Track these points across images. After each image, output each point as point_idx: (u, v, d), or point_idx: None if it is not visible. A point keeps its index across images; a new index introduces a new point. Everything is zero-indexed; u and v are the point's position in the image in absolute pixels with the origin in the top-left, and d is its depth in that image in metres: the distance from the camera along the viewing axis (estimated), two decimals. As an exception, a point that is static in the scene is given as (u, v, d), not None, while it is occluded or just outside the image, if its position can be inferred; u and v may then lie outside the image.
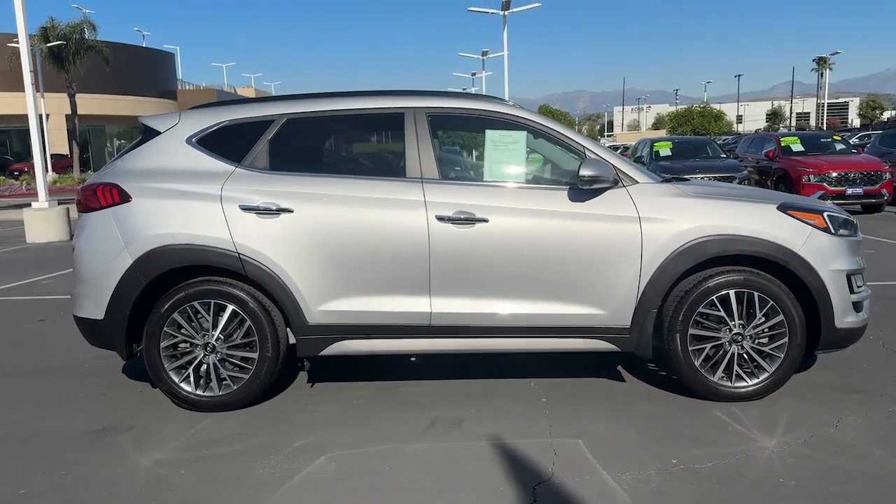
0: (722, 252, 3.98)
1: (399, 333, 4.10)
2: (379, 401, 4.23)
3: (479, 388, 4.41)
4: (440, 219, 3.99)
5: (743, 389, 4.04)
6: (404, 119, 4.16)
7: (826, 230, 4.07)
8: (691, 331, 4.02)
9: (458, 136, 5.09)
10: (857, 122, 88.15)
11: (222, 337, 4.09)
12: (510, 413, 3.98)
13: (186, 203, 4.07)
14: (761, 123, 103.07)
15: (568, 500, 2.97)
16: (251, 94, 71.51)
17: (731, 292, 3.99)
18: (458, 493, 3.08)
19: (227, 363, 4.11)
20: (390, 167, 4.18)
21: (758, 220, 4.02)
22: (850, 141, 20.70)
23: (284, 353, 4.16)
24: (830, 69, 76.43)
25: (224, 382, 4.12)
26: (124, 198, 4.11)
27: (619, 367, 4.72)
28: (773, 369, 4.03)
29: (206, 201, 4.06)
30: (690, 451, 3.43)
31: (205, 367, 4.11)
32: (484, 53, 41.64)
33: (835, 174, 13.69)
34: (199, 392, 4.11)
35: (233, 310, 4.05)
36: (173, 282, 4.10)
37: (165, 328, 4.07)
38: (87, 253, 4.15)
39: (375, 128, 4.46)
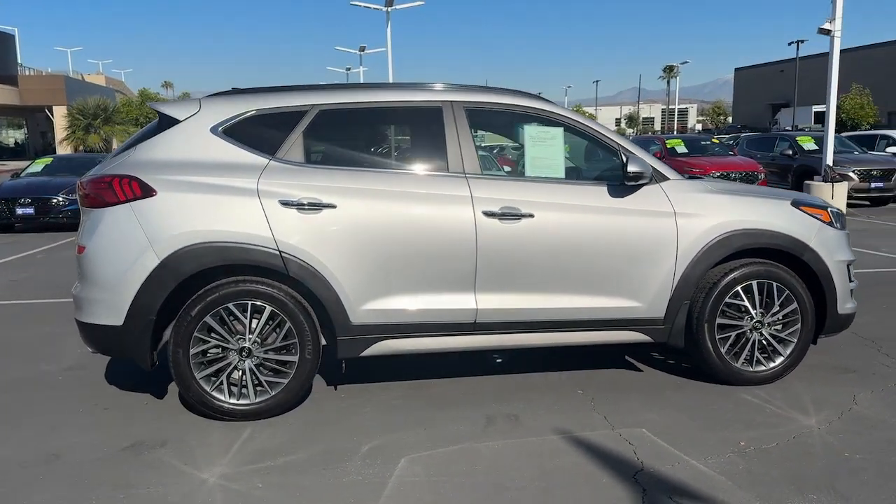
0: (747, 245, 4.23)
1: (443, 331, 4.03)
2: (418, 401, 4.14)
3: (509, 383, 4.42)
4: (487, 214, 3.96)
5: (762, 374, 4.32)
6: (443, 113, 4.10)
7: (830, 224, 4.44)
8: (718, 320, 4.25)
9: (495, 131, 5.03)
10: (698, 127, 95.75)
11: (259, 340, 3.85)
12: (557, 407, 4.02)
13: (220, 198, 3.79)
14: (612, 127, 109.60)
15: (674, 488, 3.06)
16: (101, 81, 66.64)
17: (754, 283, 4.26)
18: (566, 487, 3.09)
19: (261, 368, 3.87)
20: (431, 162, 4.09)
21: (776, 215, 4.31)
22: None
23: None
24: (676, 77, 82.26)
25: (259, 389, 3.87)
26: (147, 191, 3.76)
27: (627, 357, 4.90)
28: (788, 354, 4.34)
29: (241, 196, 3.80)
30: (747, 432, 3.63)
31: (239, 373, 3.85)
32: (361, 49, 41.26)
33: (717, 174, 14.81)
34: (232, 401, 3.84)
35: (271, 311, 3.82)
36: (197, 283, 3.81)
37: (196, 333, 3.77)
38: (102, 252, 3.76)
39: (412, 121, 4.34)
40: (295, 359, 3.87)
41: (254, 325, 3.83)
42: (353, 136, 4.31)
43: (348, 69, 51.65)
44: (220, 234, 3.75)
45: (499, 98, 4.24)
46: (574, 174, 4.52)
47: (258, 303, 3.81)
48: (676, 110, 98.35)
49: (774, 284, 4.28)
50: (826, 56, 15.11)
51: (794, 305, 4.31)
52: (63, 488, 3.14)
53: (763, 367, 4.33)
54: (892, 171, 15.52)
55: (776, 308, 4.30)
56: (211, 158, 3.89)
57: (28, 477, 3.26)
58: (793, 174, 16.41)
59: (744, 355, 4.30)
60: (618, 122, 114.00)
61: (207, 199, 3.79)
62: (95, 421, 3.92)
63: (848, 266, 4.47)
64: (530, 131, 4.22)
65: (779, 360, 4.35)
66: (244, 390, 3.85)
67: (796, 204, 4.41)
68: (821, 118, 57.12)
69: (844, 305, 4.44)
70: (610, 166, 4.28)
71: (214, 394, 3.82)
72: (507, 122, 4.57)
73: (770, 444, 3.48)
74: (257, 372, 3.86)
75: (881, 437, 3.56)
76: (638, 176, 4.04)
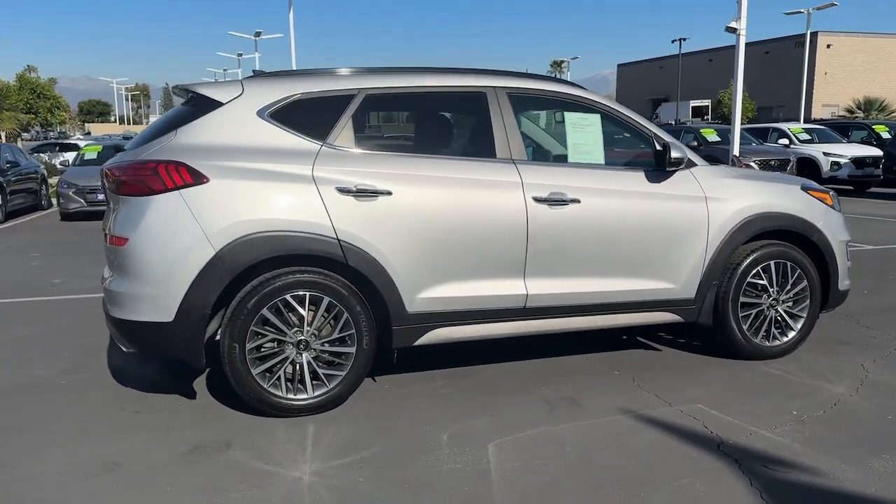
0: (767, 228, 4.49)
1: (495, 317, 4.04)
2: (467, 389, 4.13)
3: (546, 368, 4.48)
4: (537, 200, 4.00)
5: (777, 348, 4.61)
6: (487, 98, 4.08)
7: (833, 207, 4.78)
8: (742, 299, 4.49)
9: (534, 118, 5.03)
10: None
11: (316, 332, 3.71)
12: (606, 388, 4.12)
13: (276, 185, 3.62)
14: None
15: (760, 456, 3.22)
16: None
17: (772, 263, 4.53)
18: (661, 463, 3.18)
19: (317, 361, 3.74)
20: (479, 147, 4.07)
21: (792, 199, 4.60)
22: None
23: (375, 344, 3.89)
24: (565, 72, 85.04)
25: (315, 383, 3.74)
26: (197, 178, 3.53)
27: (639, 338, 5.09)
28: (799, 328, 4.65)
29: (298, 183, 3.65)
30: (791, 402, 3.87)
31: (294, 367, 3.70)
32: (257, 34, 39.87)
33: None
34: (290, 396, 3.69)
35: (329, 301, 3.69)
36: (245, 275, 3.62)
37: (252, 327, 3.59)
38: (150, 244, 3.50)
39: (458, 106, 4.29)
40: (352, 350, 3.76)
41: (311, 317, 3.68)
42: (401, 121, 4.23)
43: (240, 55, 49.84)
44: (279, 223, 3.58)
45: (539, 84, 4.28)
46: (618, 160, 4.55)
47: (316, 293, 3.67)
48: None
49: (788, 264, 4.56)
50: (702, 54, 16.15)
51: (805, 283, 4.62)
52: (145, 497, 2.92)
53: (778, 342, 4.61)
54: (787, 161, 16.75)
55: (789, 286, 4.59)
56: (261, 143, 3.70)
57: (96, 488, 3.00)
58: None
59: (762, 331, 4.57)
60: None
61: (262, 186, 3.61)
62: (133, 425, 3.65)
63: (846, 246, 4.83)
64: (570, 118, 4.28)
65: (791, 334, 4.64)
66: (301, 385, 3.71)
67: (804, 188, 4.72)
68: (698, 112, 60.73)
69: (843, 282, 4.80)
70: (642, 152, 4.40)
71: (271, 390, 3.66)
72: (546, 107, 4.61)
73: (818, 412, 3.73)
74: (315, 365, 3.72)
75: (908, 401, 3.89)
76: (679, 161, 4.20)
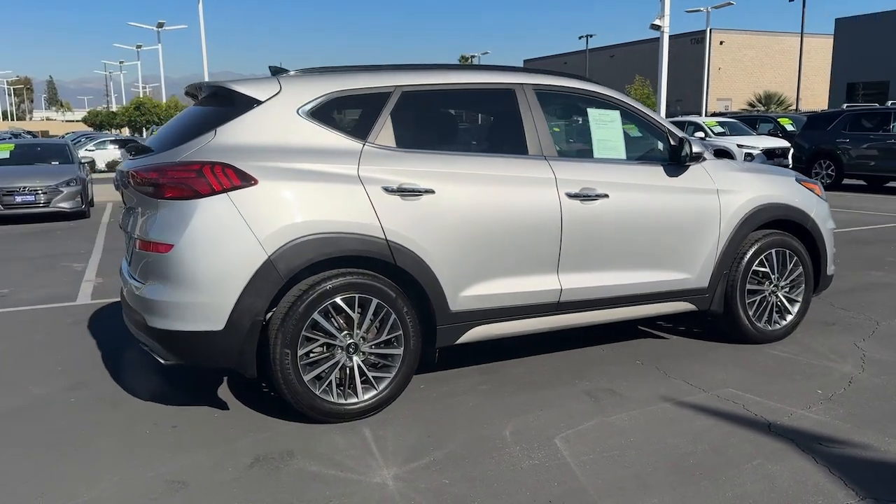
0: (771, 218, 4.73)
1: (530, 313, 4.08)
2: (506, 384, 4.14)
3: (573, 360, 4.55)
4: (570, 195, 4.06)
5: (778, 331, 4.87)
6: (516, 95, 4.11)
7: (821, 197, 5.09)
8: (748, 286, 4.72)
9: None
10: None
11: (365, 335, 3.64)
12: (637, 378, 4.23)
13: (324, 185, 3.53)
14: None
15: (812, 435, 3.41)
16: None
17: (774, 251, 4.78)
18: (728, 446, 3.30)
19: (365, 364, 3.67)
20: (511, 144, 4.08)
21: (791, 190, 4.87)
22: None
23: (418, 344, 3.85)
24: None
25: (364, 386, 3.67)
26: (245, 180, 3.39)
27: (641, 328, 5.26)
28: (796, 312, 4.94)
29: (345, 183, 3.57)
30: (812, 382, 4.10)
31: (345, 371, 3.62)
32: (159, 25, 38.22)
33: None
34: (341, 401, 3.61)
35: (377, 303, 3.63)
36: (292, 279, 3.52)
37: (304, 332, 3.49)
38: (198, 250, 3.33)
39: (488, 103, 4.27)
40: (399, 351, 3.72)
41: (360, 320, 3.61)
42: (436, 118, 4.19)
43: (139, 47, 47.59)
44: (330, 225, 3.49)
45: (564, 81, 4.34)
46: (637, 155, 4.59)
47: (365, 295, 3.60)
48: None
49: (787, 252, 4.83)
50: (605, 50, 16.81)
51: (801, 269, 4.90)
52: (237, 515, 2.80)
53: (779, 326, 4.88)
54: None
55: (787, 272, 4.86)
56: (303, 143, 3.59)
57: (172, 509, 2.85)
58: None
59: (765, 316, 4.82)
60: None
61: (311, 187, 3.50)
62: (179, 441, 3.47)
63: (832, 233, 5.15)
64: (594, 114, 4.37)
65: (789, 318, 4.92)
66: (350, 389, 3.63)
67: (798, 180, 5.00)
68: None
69: (830, 267, 5.13)
70: (656, 146, 4.54)
71: (322, 396, 3.56)
72: (569, 104, 4.66)
73: (840, 391, 3.97)
74: (364, 368, 3.65)
75: (912, 375, 4.21)
76: (698, 156, 4.37)
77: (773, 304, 4.84)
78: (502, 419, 3.65)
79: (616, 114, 4.42)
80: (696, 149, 4.34)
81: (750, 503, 2.82)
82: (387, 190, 3.63)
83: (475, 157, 3.97)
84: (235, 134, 3.50)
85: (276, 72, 4.21)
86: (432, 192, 3.72)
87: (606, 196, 4.16)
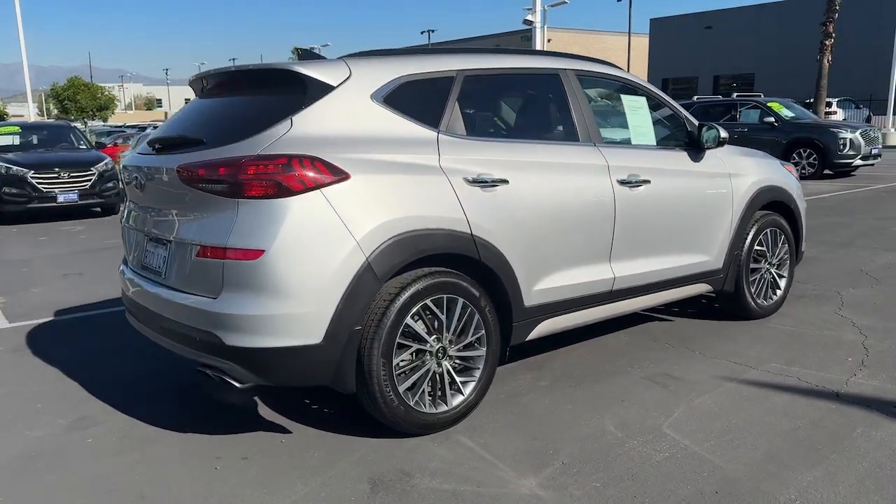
0: (768, 200, 4.99)
1: (589, 303, 4.02)
2: (565, 378, 4.04)
3: (602, 350, 4.54)
4: (620, 182, 4.04)
5: (771, 306, 5.17)
6: (561, 80, 4.02)
7: (797, 179, 5.45)
8: (752, 265, 4.96)
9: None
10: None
11: (453, 338, 3.40)
12: (682, 361, 4.28)
13: (411, 178, 3.24)
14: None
15: (879, 401, 3.62)
16: None
17: (768, 231, 5.05)
18: (824, 419, 3.42)
19: (454, 369, 3.43)
20: (564, 131, 3.97)
21: (779, 173, 5.16)
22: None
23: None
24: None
25: (452, 392, 3.43)
26: (337, 174, 3.02)
27: (638, 312, 5.36)
28: (784, 287, 5.26)
29: (430, 175, 3.30)
30: (836, 351, 4.35)
31: (435, 378, 3.35)
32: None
33: None
34: (432, 410, 3.34)
35: (463, 303, 3.39)
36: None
37: (399, 339, 3.19)
38: (295, 254, 2.92)
39: (538, 88, 4.08)
40: (483, 353, 3.50)
41: (450, 322, 3.36)
42: (496, 104, 3.97)
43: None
44: (423, 221, 3.20)
45: (598, 67, 4.29)
46: (662, 141, 4.59)
47: (452, 295, 3.35)
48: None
49: (777, 231, 5.13)
50: (444, 45, 17.24)
51: (787, 247, 5.23)
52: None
53: (772, 301, 5.17)
54: None
55: (777, 250, 5.17)
56: (380, 132, 3.26)
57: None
58: None
59: (762, 293, 5.09)
60: (187, 101, 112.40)
61: (400, 180, 3.19)
62: (264, 475, 3.03)
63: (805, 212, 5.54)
64: (627, 100, 4.36)
65: (779, 293, 5.23)
66: (443, 396, 3.37)
67: (782, 164, 5.32)
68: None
69: (804, 244, 5.51)
70: (675, 132, 4.61)
71: (416, 407, 3.27)
72: (603, 90, 4.60)
73: (863, 356, 4.27)
74: (454, 374, 3.41)
75: (908, 338, 4.61)
76: (724, 141, 4.50)
77: (767, 280, 5.12)
78: (591, 414, 3.55)
79: (643, 100, 4.45)
80: (724, 135, 4.48)
81: (887, 471, 2.93)
82: (468, 181, 3.39)
83: (538, 144, 3.82)
84: (312, 123, 3.10)
85: (306, 54, 3.82)
86: (506, 182, 3.53)
87: (648, 182, 4.17)
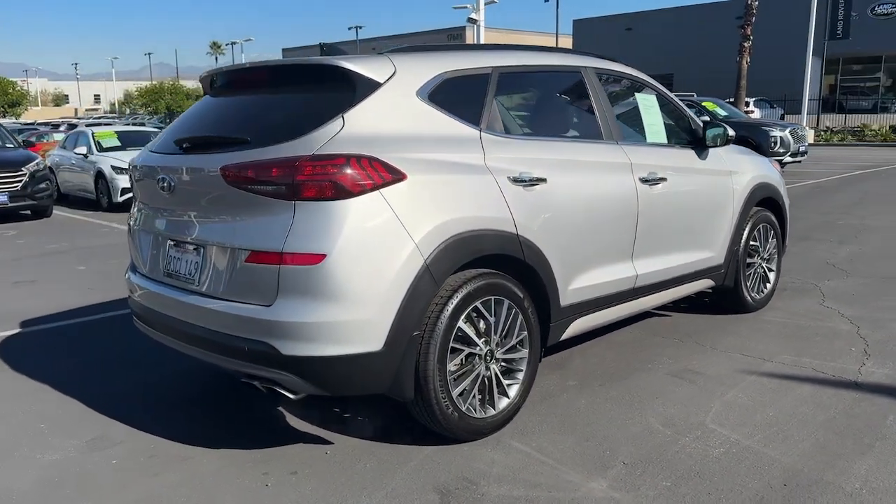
0: (762, 196, 5.14)
1: (614, 301, 4.03)
2: (585, 377, 4.04)
3: (611, 345, 4.57)
4: (641, 180, 4.07)
5: (763, 299, 5.32)
6: (584, 78, 4.01)
7: (781, 175, 5.64)
8: (748, 259, 5.10)
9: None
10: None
11: (500, 340, 3.34)
12: (697, 355, 4.35)
13: (461, 177, 3.17)
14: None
15: (882, 388, 3.79)
16: None
17: (761, 226, 5.21)
18: (855, 407, 3.54)
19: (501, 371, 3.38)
20: (590, 129, 3.96)
21: (770, 169, 5.33)
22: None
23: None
24: (223, 54, 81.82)
25: (498, 396, 3.37)
26: (395, 175, 2.91)
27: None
28: (773, 281, 5.43)
29: (478, 174, 3.23)
30: (835, 342, 4.51)
31: (483, 382, 3.29)
32: None
33: None
34: (482, 415, 3.28)
35: (508, 304, 3.34)
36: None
37: (452, 343, 3.11)
38: (356, 257, 2.80)
39: (563, 86, 4.03)
40: (525, 354, 3.46)
41: (497, 324, 3.30)
42: (528, 101, 3.91)
43: None
44: (475, 222, 3.13)
45: (612, 65, 4.30)
46: (671, 139, 4.63)
47: (499, 297, 3.29)
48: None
49: (768, 226, 5.29)
50: (367, 42, 17.35)
51: (775, 241, 5.41)
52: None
53: (763, 294, 5.33)
54: None
55: (768, 244, 5.33)
56: (427, 130, 3.17)
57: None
58: None
59: (755, 286, 5.24)
60: (97, 98, 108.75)
61: (451, 179, 3.11)
62: (321, 490, 2.89)
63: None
64: (640, 98, 4.39)
65: (769, 286, 5.40)
66: (491, 400, 3.31)
67: (769, 161, 5.49)
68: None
69: (787, 238, 5.71)
70: (678, 130, 4.68)
71: (468, 413, 3.20)
72: (618, 88, 4.59)
73: (864, 346, 4.44)
74: (501, 377, 3.35)
75: (896, 326, 4.84)
76: (732, 140, 4.59)
77: (759, 275, 5.27)
78: (632, 412, 3.56)
79: (654, 98, 4.49)
80: (731, 133, 4.57)
81: (932, 456, 3.05)
82: (511, 180, 3.34)
83: (570, 142, 3.82)
84: (362, 121, 2.97)
85: (329, 50, 3.67)
86: (544, 180, 3.49)
87: (665, 180, 4.22)
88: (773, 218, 5.33)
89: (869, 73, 47.04)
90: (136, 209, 3.68)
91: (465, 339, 3.17)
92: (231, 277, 2.95)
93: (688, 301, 5.49)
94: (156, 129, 16.53)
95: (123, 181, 12.39)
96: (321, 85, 3.13)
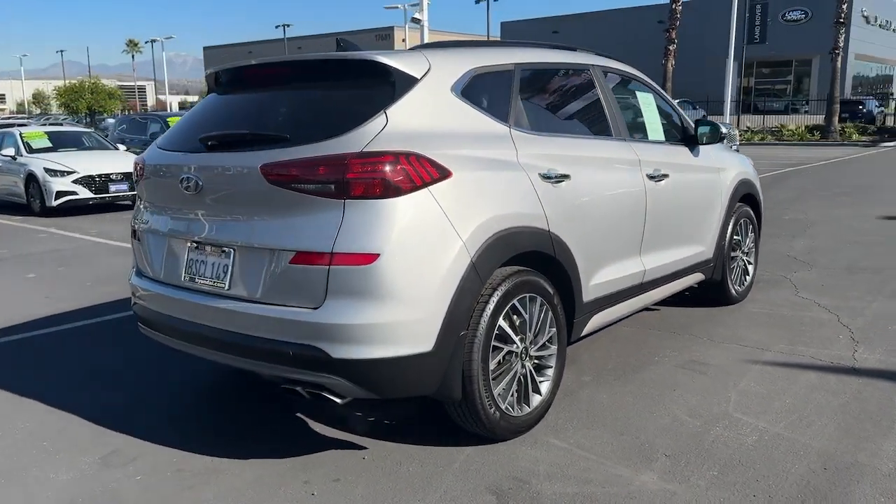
0: (744, 192, 5.31)
1: (625, 297, 4.08)
2: (597, 374, 4.08)
3: (614, 340, 4.64)
4: (649, 177, 4.15)
5: (744, 291, 5.51)
6: (592, 76, 4.05)
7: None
8: (731, 253, 5.26)
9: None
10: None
11: (532, 338, 3.33)
12: (697, 347, 4.45)
13: (498, 174, 3.16)
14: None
15: (890, 371, 3.98)
16: None
17: (742, 220, 5.38)
18: (861, 392, 3.69)
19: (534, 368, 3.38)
20: (601, 126, 3.98)
21: (749, 166, 5.50)
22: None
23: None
24: (140, 52, 79.07)
25: (532, 392, 3.36)
26: (442, 172, 2.87)
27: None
28: (753, 272, 5.63)
29: (512, 171, 3.23)
30: (822, 330, 4.71)
31: (519, 380, 3.27)
32: None
33: None
34: (518, 413, 3.26)
35: (541, 301, 3.34)
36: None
37: (494, 341, 3.08)
38: (409, 256, 2.74)
39: (575, 83, 4.02)
40: (554, 351, 3.46)
41: (532, 321, 3.29)
42: (547, 98, 3.89)
43: None
44: (515, 219, 3.13)
45: (614, 64, 4.36)
46: (667, 136, 4.71)
47: (532, 294, 3.28)
48: (136, 86, 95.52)
49: (747, 220, 5.48)
50: (293, 41, 17.20)
51: (753, 235, 5.60)
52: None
53: (744, 286, 5.52)
54: None
55: (748, 238, 5.52)
56: (462, 127, 3.14)
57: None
58: None
59: (737, 279, 5.42)
60: (1, 97, 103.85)
61: (490, 177, 3.10)
62: (372, 497, 2.81)
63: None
64: (641, 97, 4.47)
65: (748, 278, 5.59)
66: (527, 398, 3.30)
67: (745, 158, 5.68)
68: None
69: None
70: (671, 128, 4.79)
71: (507, 411, 3.18)
72: (620, 86, 4.63)
73: (850, 333, 4.65)
74: (534, 374, 3.34)
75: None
76: (724, 137, 4.72)
77: (741, 267, 5.46)
78: (656, 405, 3.61)
79: (651, 96, 4.58)
80: (724, 131, 4.70)
81: (948, 435, 3.22)
82: (542, 177, 3.34)
83: (587, 139, 3.86)
84: (403, 117, 2.90)
85: (346, 45, 3.59)
86: (568, 177, 3.51)
87: (668, 176, 4.31)
88: (752, 213, 5.52)
89: (780, 77, 49.55)
90: (143, 210, 3.49)
91: (503, 338, 3.14)
92: (271, 280, 2.83)
93: (674, 295, 5.61)
94: (88, 131, 15.78)
95: (59, 184, 11.80)
96: (358, 81, 3.05)
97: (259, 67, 3.32)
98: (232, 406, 3.80)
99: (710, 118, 7.24)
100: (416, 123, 2.93)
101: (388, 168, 2.72)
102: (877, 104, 37.75)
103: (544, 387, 3.40)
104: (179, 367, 4.28)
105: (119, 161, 12.68)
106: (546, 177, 3.35)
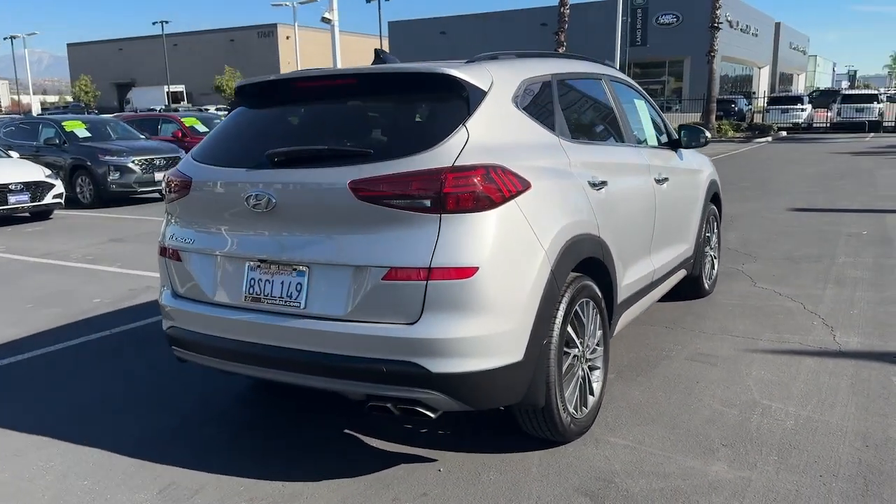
0: (714, 192, 5.66)
1: (641, 296, 4.27)
2: (621, 371, 4.25)
3: (616, 340, 4.84)
4: (656, 180, 4.37)
5: (712, 284, 5.88)
6: (605, 85, 4.22)
7: (710, 165, 6.23)
8: (705, 248, 5.61)
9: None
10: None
11: (587, 341, 3.45)
12: (697, 341, 4.71)
13: (562, 183, 3.26)
14: None
15: (875, 352, 4.38)
16: None
17: (711, 218, 5.74)
18: (859, 373, 4.05)
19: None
20: (617, 133, 4.14)
21: (712, 166, 5.86)
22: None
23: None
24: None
25: (589, 393, 3.48)
26: (524, 184, 2.93)
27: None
28: (717, 267, 6.01)
29: (569, 180, 3.33)
30: (797, 318, 5.11)
31: (580, 382, 3.38)
32: None
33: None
34: (579, 416, 3.36)
35: (593, 305, 3.46)
36: None
37: (564, 347, 3.17)
38: (502, 268, 2.77)
39: (594, 92, 4.11)
40: (601, 352, 3.59)
41: (588, 325, 3.40)
42: (579, 107, 3.99)
43: None
44: (578, 226, 3.22)
45: (614, 72, 4.54)
46: (657, 141, 4.96)
47: (587, 298, 3.39)
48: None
49: (713, 217, 5.84)
50: (170, 37, 16.76)
51: (718, 231, 5.99)
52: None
53: (712, 280, 5.89)
54: (176, 159, 13.22)
55: (714, 234, 5.89)
56: (525, 137, 3.20)
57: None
58: (66, 169, 13.33)
59: (709, 273, 5.78)
60: None
61: (557, 186, 3.19)
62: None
63: (717, 201, 6.35)
64: (638, 104, 4.68)
65: (714, 272, 5.97)
66: (586, 400, 3.41)
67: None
68: (177, 98, 59.66)
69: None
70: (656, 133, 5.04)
71: (573, 413, 3.28)
72: (622, 95, 4.77)
73: (820, 320, 5.07)
74: (591, 376, 3.46)
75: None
76: (708, 141, 5.02)
77: (710, 262, 5.82)
78: (688, 398, 3.81)
79: (644, 102, 4.81)
80: (708, 135, 5.00)
81: (948, 408, 3.61)
82: (590, 184, 3.46)
83: (614, 146, 4.03)
84: (480, 130, 2.92)
85: (385, 56, 3.57)
86: (606, 183, 3.65)
87: (668, 179, 4.54)
88: (717, 210, 5.90)
89: (655, 77, 52.39)
90: (179, 227, 3.31)
91: (568, 343, 3.23)
92: (358, 296, 2.78)
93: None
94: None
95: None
96: (430, 94, 3.03)
97: (314, 79, 3.23)
98: (270, 426, 3.67)
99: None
100: (491, 136, 2.96)
101: (481, 181, 2.74)
102: (746, 102, 40.74)
103: (596, 388, 3.51)
104: (191, 388, 4.09)
105: (17, 169, 11.70)
106: (592, 184, 3.47)
